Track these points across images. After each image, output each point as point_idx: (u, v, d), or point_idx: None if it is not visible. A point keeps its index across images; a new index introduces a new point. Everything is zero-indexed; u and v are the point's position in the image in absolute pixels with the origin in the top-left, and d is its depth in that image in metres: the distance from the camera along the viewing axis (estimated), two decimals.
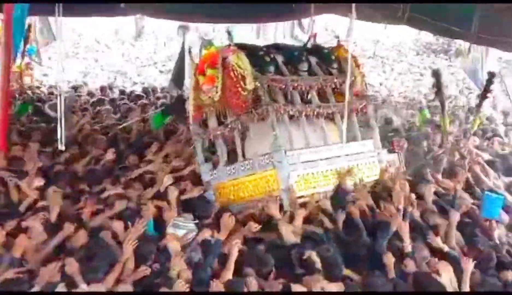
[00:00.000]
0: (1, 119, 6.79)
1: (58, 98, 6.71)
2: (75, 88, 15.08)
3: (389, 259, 4.98)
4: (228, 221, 5.12)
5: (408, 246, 5.27)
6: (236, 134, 6.62)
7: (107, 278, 4.41)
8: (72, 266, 4.36)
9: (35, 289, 4.19)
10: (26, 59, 15.20)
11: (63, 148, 7.01)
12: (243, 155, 6.58)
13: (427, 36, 24.31)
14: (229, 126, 6.64)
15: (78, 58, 24.01)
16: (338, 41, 7.63)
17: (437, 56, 25.31)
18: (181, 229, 5.20)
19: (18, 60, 12.44)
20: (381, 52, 25.83)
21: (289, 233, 5.33)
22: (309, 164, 6.31)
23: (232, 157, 6.77)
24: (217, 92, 6.53)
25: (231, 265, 4.69)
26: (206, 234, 5.17)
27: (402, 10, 8.76)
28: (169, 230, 5.20)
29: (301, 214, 5.64)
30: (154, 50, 25.68)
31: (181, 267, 4.58)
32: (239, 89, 6.31)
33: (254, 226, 5.38)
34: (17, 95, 12.52)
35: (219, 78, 6.50)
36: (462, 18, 7.61)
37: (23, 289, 4.16)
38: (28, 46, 14.53)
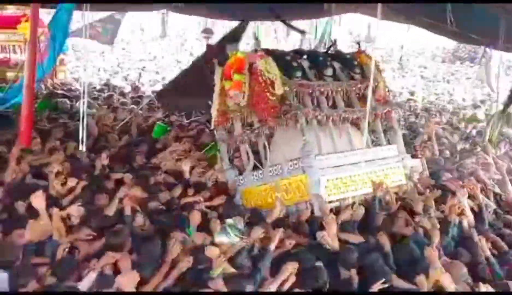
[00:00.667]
0: (26, 115, 6.76)
1: (81, 99, 6.56)
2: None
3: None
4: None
5: None
6: (263, 139, 6.62)
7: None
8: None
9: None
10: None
11: (84, 149, 6.92)
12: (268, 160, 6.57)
13: (451, 43, 24.18)
14: (256, 131, 6.63)
15: (104, 56, 24.00)
16: (359, 46, 7.68)
17: (463, 63, 25.17)
18: (229, 237, 5.10)
19: None
20: (406, 57, 25.75)
21: (335, 241, 5.23)
22: (337, 169, 6.29)
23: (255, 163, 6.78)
24: (244, 98, 6.54)
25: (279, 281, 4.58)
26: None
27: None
28: (218, 238, 5.10)
29: (334, 221, 5.58)
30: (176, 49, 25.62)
31: (224, 267, 4.52)
32: (268, 94, 6.31)
33: (289, 243, 5.27)
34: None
35: (246, 83, 6.51)
36: (486, 25, 7.62)
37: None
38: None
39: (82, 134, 6.53)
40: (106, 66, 21.98)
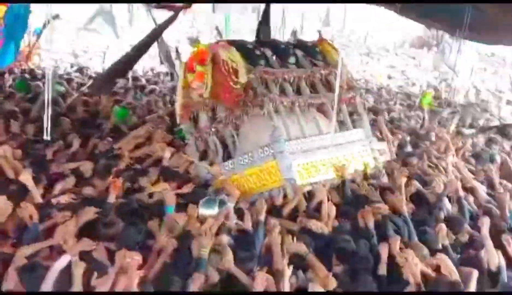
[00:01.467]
0: None
1: (47, 82, 6.17)
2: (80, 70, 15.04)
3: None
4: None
5: None
6: (230, 129, 6.56)
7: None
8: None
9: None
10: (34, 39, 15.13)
11: (48, 138, 6.58)
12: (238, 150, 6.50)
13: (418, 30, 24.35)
14: (222, 121, 6.57)
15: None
16: (320, 35, 7.73)
17: (430, 49, 25.36)
18: (213, 208, 5.04)
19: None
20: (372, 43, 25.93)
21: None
22: (307, 153, 6.28)
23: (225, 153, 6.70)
24: (207, 89, 6.49)
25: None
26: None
27: None
28: (201, 210, 5.02)
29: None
30: None
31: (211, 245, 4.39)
32: (231, 83, 6.29)
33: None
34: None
35: (209, 74, 6.46)
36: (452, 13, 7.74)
37: None
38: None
39: (46, 122, 6.13)
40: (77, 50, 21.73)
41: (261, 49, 6.72)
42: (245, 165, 6.31)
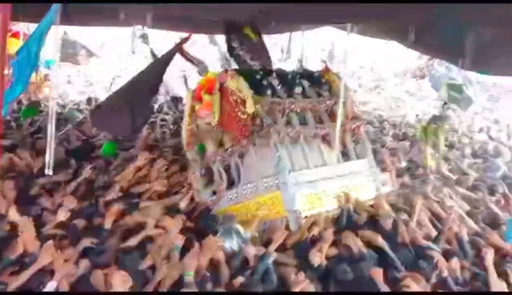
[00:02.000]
0: None
1: (50, 115, 6.17)
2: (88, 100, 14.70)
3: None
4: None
5: None
6: (235, 158, 6.65)
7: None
8: None
9: None
10: (45, 71, 14.98)
11: (50, 173, 6.58)
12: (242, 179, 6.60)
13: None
14: (228, 150, 6.66)
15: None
16: (326, 65, 7.85)
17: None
18: (230, 241, 5.21)
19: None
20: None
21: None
22: (311, 184, 6.37)
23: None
24: (215, 117, 6.59)
25: None
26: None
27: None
28: (225, 243, 5.17)
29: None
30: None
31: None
32: (238, 113, 6.39)
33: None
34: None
35: (217, 103, 6.56)
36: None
37: None
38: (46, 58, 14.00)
39: (48, 157, 6.13)
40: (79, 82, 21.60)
41: (268, 79, 6.81)
42: (249, 195, 6.40)
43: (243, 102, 6.34)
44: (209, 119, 6.64)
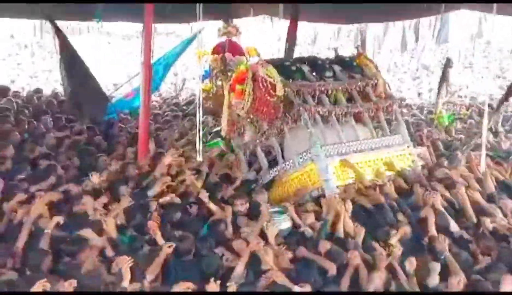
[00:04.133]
0: (143, 130, 7.42)
1: None
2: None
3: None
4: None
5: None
6: (273, 140, 7.13)
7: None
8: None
9: None
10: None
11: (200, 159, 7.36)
12: (283, 158, 7.07)
13: None
14: (266, 133, 7.14)
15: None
16: (358, 50, 8.24)
17: None
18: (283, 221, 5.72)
19: None
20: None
21: None
22: (343, 156, 6.75)
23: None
24: (244, 105, 7.09)
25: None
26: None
27: None
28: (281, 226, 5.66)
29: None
30: None
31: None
32: (268, 97, 6.87)
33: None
34: None
35: (248, 92, 7.06)
36: None
37: None
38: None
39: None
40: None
41: (298, 65, 7.28)
42: (288, 171, 6.85)
43: (273, 87, 6.81)
44: (239, 106, 7.13)
